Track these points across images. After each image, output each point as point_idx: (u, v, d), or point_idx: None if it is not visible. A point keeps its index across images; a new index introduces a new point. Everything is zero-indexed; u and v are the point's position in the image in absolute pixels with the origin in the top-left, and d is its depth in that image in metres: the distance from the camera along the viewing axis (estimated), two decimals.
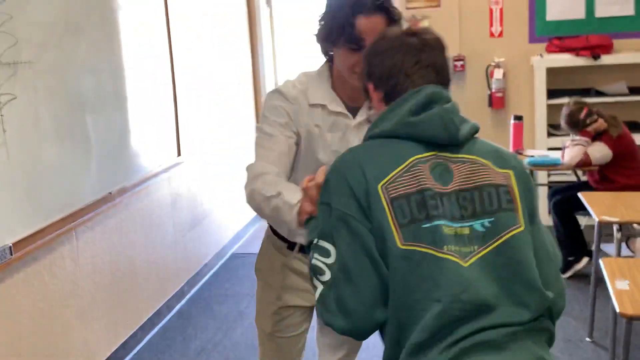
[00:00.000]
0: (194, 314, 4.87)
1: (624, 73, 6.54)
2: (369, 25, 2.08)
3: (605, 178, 4.99)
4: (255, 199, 2.10)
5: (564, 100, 5.32)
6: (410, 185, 1.59)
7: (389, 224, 1.56)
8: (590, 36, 6.45)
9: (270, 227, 2.49)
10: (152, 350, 4.33)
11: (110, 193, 3.99)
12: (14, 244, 3.13)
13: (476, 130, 1.73)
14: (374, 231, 1.58)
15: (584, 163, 4.96)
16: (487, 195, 1.62)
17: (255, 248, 5.77)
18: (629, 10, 6.49)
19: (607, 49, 6.38)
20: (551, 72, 6.42)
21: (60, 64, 3.55)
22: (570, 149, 5.02)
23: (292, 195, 1.95)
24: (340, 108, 2.26)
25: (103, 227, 4.03)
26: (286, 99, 2.25)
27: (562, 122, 5.12)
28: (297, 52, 7.27)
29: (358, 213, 1.60)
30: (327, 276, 1.62)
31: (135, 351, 4.32)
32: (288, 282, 2.44)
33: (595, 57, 6.32)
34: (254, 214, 6.83)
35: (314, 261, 1.66)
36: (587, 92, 6.39)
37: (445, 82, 1.77)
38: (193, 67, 5.34)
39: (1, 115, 3.08)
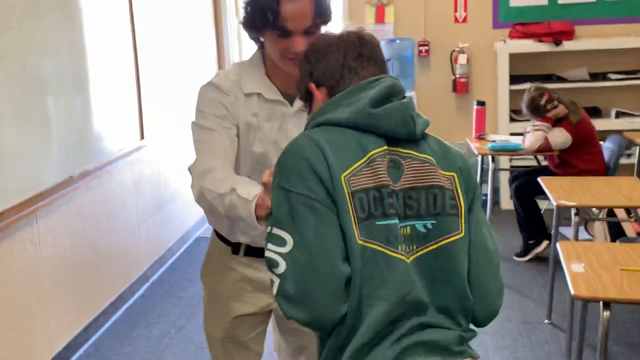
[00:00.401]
0: (157, 298, 4.86)
1: (585, 59, 6.62)
2: (294, 10, 2.01)
3: (565, 163, 5.06)
4: (205, 198, 2.02)
5: (526, 85, 5.36)
6: (369, 179, 1.56)
7: (350, 217, 1.53)
8: (552, 22, 6.52)
9: (215, 230, 2.42)
10: (115, 335, 4.32)
11: (71, 176, 3.96)
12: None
13: (427, 125, 1.71)
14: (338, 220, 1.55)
15: (544, 148, 5.02)
16: (432, 196, 1.62)
17: None
18: None
19: (569, 35, 6.47)
20: (514, 58, 6.49)
21: (19, 45, 3.51)
22: (531, 134, 5.07)
23: (247, 190, 1.90)
24: (276, 95, 2.19)
25: (64, 210, 4.00)
26: (221, 90, 2.17)
27: (524, 108, 5.17)
28: None
29: (326, 199, 1.54)
30: (282, 268, 1.54)
31: (97, 336, 4.30)
32: (235, 289, 2.34)
33: (557, 43, 6.39)
34: None
35: (267, 253, 1.58)
36: (548, 77, 6.48)
37: (385, 73, 1.75)
38: (157, 48, 5.29)
39: None
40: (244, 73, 2.21)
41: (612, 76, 6.52)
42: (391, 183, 1.58)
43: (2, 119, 3.34)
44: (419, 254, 1.57)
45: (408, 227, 1.58)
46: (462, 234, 1.63)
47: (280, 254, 1.54)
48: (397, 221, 1.56)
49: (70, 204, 4.07)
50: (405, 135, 1.63)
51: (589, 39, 6.49)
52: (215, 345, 2.44)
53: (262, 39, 2.17)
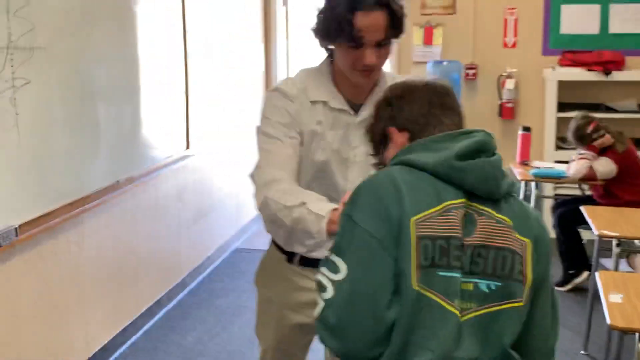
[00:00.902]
0: (193, 305, 4.89)
1: (635, 90, 6.55)
2: (368, 21, 2.00)
3: (609, 193, 5.01)
4: (270, 208, 2.01)
5: (574, 114, 5.33)
6: (440, 228, 1.53)
7: (411, 261, 1.50)
8: (603, 51, 6.47)
9: (272, 240, 2.39)
10: (150, 339, 4.36)
11: (118, 181, 4.02)
12: (20, 226, 3.17)
13: (514, 187, 1.68)
14: (396, 263, 1.52)
15: (589, 177, 4.98)
16: (502, 258, 1.58)
17: (259, 244, 5.80)
18: None
19: (619, 65, 6.41)
20: (563, 85, 6.44)
21: (74, 51, 3.58)
22: (576, 163, 5.04)
23: (319, 205, 1.89)
24: (342, 104, 2.18)
25: (109, 214, 4.06)
26: (287, 97, 2.16)
27: (570, 136, 5.14)
28: (311, 52, 7.30)
29: (387, 239, 1.52)
30: (329, 294, 1.53)
31: (133, 339, 4.35)
32: (290, 298, 2.33)
33: (607, 72, 6.34)
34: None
35: (318, 275, 1.58)
36: (597, 107, 6.41)
37: (463, 126, 1.74)
38: (207, 62, 5.36)
39: (14, 99, 3.12)
40: (310, 80, 2.21)
41: None
42: (462, 236, 1.55)
43: (53, 122, 3.41)
44: (478, 313, 1.54)
45: (471, 285, 1.55)
46: (522, 304, 1.58)
47: (331, 280, 1.54)
48: (459, 275, 1.53)
49: (115, 208, 4.13)
50: (484, 193, 1.60)
51: (639, 70, 6.43)
52: (268, 349, 2.44)
53: (331, 48, 2.16)
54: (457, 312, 1.51)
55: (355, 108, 2.19)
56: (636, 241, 4.59)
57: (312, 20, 2.14)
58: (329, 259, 1.57)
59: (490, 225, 1.59)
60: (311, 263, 2.22)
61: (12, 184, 3.13)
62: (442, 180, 1.58)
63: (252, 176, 2.14)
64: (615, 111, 6.42)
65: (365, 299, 1.50)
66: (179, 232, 5.03)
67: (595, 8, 6.54)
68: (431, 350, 1.48)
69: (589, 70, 6.39)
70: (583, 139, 5.03)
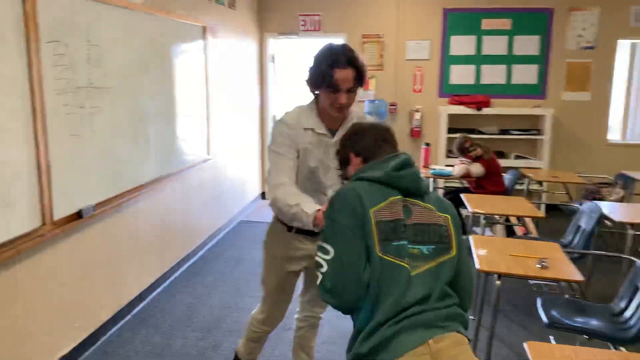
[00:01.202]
0: (210, 258, 4.89)
1: (496, 120, 6.66)
2: (342, 75, 2.03)
3: (479, 186, 5.07)
4: (277, 204, 2.04)
5: (457, 135, 5.40)
6: (389, 215, 1.59)
7: (374, 238, 1.55)
8: (476, 95, 6.56)
9: (276, 217, 2.35)
10: (182, 280, 4.36)
11: (161, 176, 4.01)
12: (96, 204, 3.17)
13: (428, 186, 1.73)
14: (365, 241, 1.57)
15: (467, 175, 5.05)
16: (433, 230, 1.62)
17: (256, 217, 5.77)
18: (502, 80, 6.61)
19: (487, 104, 6.49)
20: (450, 117, 6.51)
21: (132, 89, 3.57)
22: (458, 166, 5.11)
23: (309, 206, 1.93)
24: (324, 131, 2.18)
25: (155, 197, 4.05)
26: (288, 126, 2.16)
27: (454, 149, 5.21)
28: (290, 90, 7.32)
29: (356, 228, 1.57)
30: (324, 268, 1.57)
31: (171, 279, 4.34)
32: (288, 254, 2.33)
33: (479, 109, 6.42)
34: (257, 193, 6.90)
35: (317, 258, 1.61)
36: (472, 131, 6.50)
37: (397, 151, 1.80)
38: (221, 97, 5.35)
39: (92, 121, 3.10)
40: (303, 113, 2.20)
41: (514, 132, 6.53)
42: (404, 219, 1.60)
43: (119, 136, 3.40)
44: (424, 268, 1.57)
45: (417, 250, 1.58)
46: (453, 254, 1.63)
47: (324, 259, 1.57)
48: (405, 242, 1.57)
49: (160, 194, 4.12)
50: (414, 190, 1.66)
51: (499, 107, 6.51)
52: (270, 292, 2.42)
53: (317, 92, 2.16)
54: (407, 266, 1.55)
55: (332, 133, 2.20)
56: (495, 216, 4.71)
57: (304, 74, 2.15)
58: (321, 246, 1.60)
59: (421, 210, 1.65)
60: (303, 232, 2.27)
61: (91, 176, 3.12)
62: (385, 185, 1.64)
63: (266, 180, 2.13)
64: (484, 133, 6.53)
65: (349, 267, 1.54)
66: (200, 210, 5.01)
67: (472, 67, 6.62)
68: (392, 295, 1.51)
69: (467, 107, 6.46)
70: (463, 151, 5.11)
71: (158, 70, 3.95)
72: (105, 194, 3.27)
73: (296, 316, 2.66)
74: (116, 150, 3.38)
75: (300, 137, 2.16)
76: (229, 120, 5.67)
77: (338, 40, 6.76)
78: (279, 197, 2.01)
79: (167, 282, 4.28)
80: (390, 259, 1.54)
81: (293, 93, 7.51)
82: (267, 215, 6.39)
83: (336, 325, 3.56)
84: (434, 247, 1.60)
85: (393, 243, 1.56)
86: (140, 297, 3.85)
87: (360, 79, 2.08)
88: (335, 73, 2.02)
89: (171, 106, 4.20)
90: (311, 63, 2.12)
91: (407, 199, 1.65)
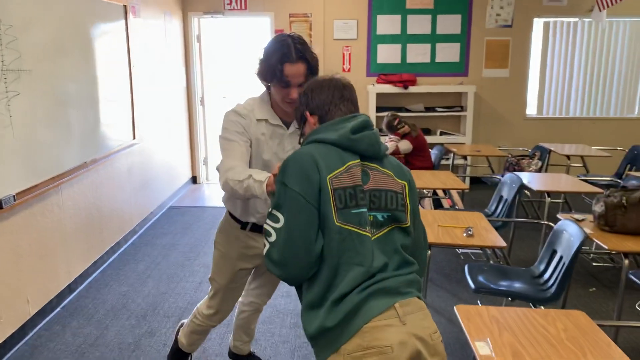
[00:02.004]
0: (142, 245, 4.79)
1: (422, 98, 6.86)
2: (293, 70, 1.94)
3: (408, 162, 5.18)
4: (229, 184, 1.91)
5: (386, 113, 5.49)
6: (347, 181, 1.50)
7: (330, 206, 1.46)
8: (402, 74, 6.72)
9: (229, 212, 2.31)
10: (114, 268, 4.25)
11: (85, 162, 3.87)
12: (17, 194, 3.02)
13: (387, 149, 1.66)
14: (320, 210, 1.48)
15: (396, 152, 5.13)
16: (389, 197, 1.56)
17: (187, 202, 5.70)
18: (427, 59, 6.80)
19: (413, 82, 6.66)
20: (379, 96, 6.65)
21: (51, 72, 3.41)
22: (388, 143, 5.22)
23: (259, 175, 1.83)
24: (278, 122, 2.10)
25: (80, 185, 3.90)
26: (240, 116, 2.06)
27: (383, 127, 5.29)
28: (217, 72, 7.19)
29: (310, 195, 1.47)
30: (273, 237, 1.48)
31: (101, 268, 4.22)
32: (240, 252, 2.29)
33: (406, 87, 6.58)
34: (186, 179, 6.78)
35: (265, 225, 1.52)
36: (399, 109, 6.68)
37: (358, 110, 1.70)
38: (145, 80, 5.20)
39: (9, 106, 2.95)
40: (256, 105, 2.11)
41: (439, 109, 6.76)
42: (362, 184, 1.52)
43: (38, 121, 3.25)
44: (379, 234, 1.52)
45: (372, 216, 1.52)
46: (408, 224, 1.58)
47: (273, 228, 1.49)
48: (366, 210, 1.51)
49: (84, 180, 3.97)
50: (371, 154, 1.58)
51: (425, 85, 6.70)
52: (220, 289, 2.37)
53: (269, 85, 2.08)
54: (369, 234, 1.49)
55: (286, 124, 2.13)
56: (424, 190, 4.88)
57: (255, 66, 2.07)
58: (271, 213, 1.51)
59: (379, 176, 1.57)
60: (258, 229, 2.25)
61: (10, 164, 2.97)
62: (342, 149, 1.55)
63: (218, 168, 2.03)
64: (411, 111, 6.72)
65: (299, 237, 1.45)
66: (129, 196, 4.88)
67: (398, 46, 6.77)
68: (359, 265, 1.45)
69: (394, 85, 6.60)
70: (392, 128, 5.20)
71: (78, 52, 3.78)
72: (26, 183, 3.12)
73: (240, 300, 2.65)
74: (36, 136, 3.22)
75: (253, 127, 2.08)
76: (154, 103, 5.52)
77: (265, 20, 6.74)
78: (229, 177, 1.92)
79: (98, 271, 4.16)
80: (351, 228, 1.47)
81: (221, 73, 7.39)
82: (198, 199, 6.32)
83: (273, 305, 3.60)
84: (389, 214, 1.55)
85: (352, 211, 1.48)
86: (70, 288, 3.72)
87: (312, 72, 2.00)
88: (286, 68, 1.93)
89: (93, 89, 4.04)
90: (261, 55, 2.05)
91: (366, 163, 1.58)
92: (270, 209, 1.52)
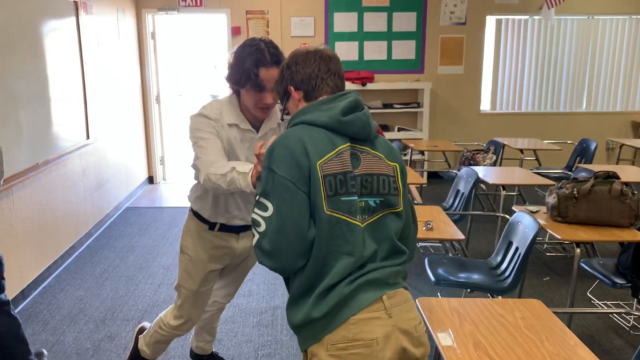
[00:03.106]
0: (98, 248, 4.67)
1: (380, 95, 6.94)
2: (268, 74, 1.91)
3: None
4: (211, 179, 1.84)
5: None
6: (337, 167, 1.42)
7: (320, 194, 1.39)
8: (360, 71, 6.77)
9: (194, 213, 2.24)
10: (69, 272, 4.13)
11: (37, 163, 3.75)
12: None
13: (377, 129, 1.57)
14: (310, 198, 1.40)
15: None
16: (381, 181, 1.49)
17: (144, 203, 5.60)
18: (384, 56, 6.88)
19: (370, 79, 6.73)
20: None
21: None
22: None
23: (243, 167, 1.77)
24: (247, 126, 2.06)
25: (32, 187, 3.77)
26: (210, 119, 2.01)
27: None
28: (172, 70, 7.08)
29: (300, 181, 1.39)
30: (262, 227, 1.40)
31: (56, 273, 4.09)
32: (209, 254, 2.25)
33: (364, 84, 6.64)
34: (143, 179, 6.65)
35: (253, 215, 1.43)
36: None
37: (344, 85, 1.60)
38: (98, 77, 5.06)
39: None
40: (224, 109, 2.05)
41: (396, 106, 6.83)
42: (352, 169, 1.45)
43: None
44: (370, 220, 1.47)
45: (363, 202, 1.46)
46: (400, 208, 1.52)
47: (262, 217, 1.40)
48: (356, 198, 1.44)
49: (36, 183, 3.84)
50: (362, 136, 1.49)
51: (382, 82, 6.77)
52: (189, 295, 2.30)
53: (238, 89, 2.03)
54: (359, 223, 1.43)
55: (255, 128, 2.09)
56: None
57: (225, 70, 2.02)
58: (259, 201, 1.42)
59: (370, 159, 1.50)
60: (227, 229, 2.22)
61: None
62: (332, 132, 1.46)
63: (194, 166, 1.96)
64: (369, 108, 6.78)
65: (291, 225, 1.37)
66: (85, 197, 4.75)
67: (355, 44, 6.82)
68: (347, 254, 1.40)
69: (352, 82, 6.64)
70: None
71: (27, 49, 3.65)
72: None
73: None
74: None
75: (223, 131, 2.02)
76: (108, 102, 5.39)
77: (221, 17, 6.67)
78: (211, 172, 1.85)
79: (53, 276, 4.03)
80: (341, 216, 1.40)
81: (177, 71, 7.28)
82: (156, 200, 6.21)
83: (236, 304, 3.58)
84: (381, 199, 1.49)
85: (342, 198, 1.41)
86: (24, 294, 3.60)
87: None
88: (261, 72, 1.90)
89: (44, 88, 3.91)
90: (230, 59, 2.00)
91: (356, 145, 1.50)
92: (257, 196, 1.44)
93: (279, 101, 1.69)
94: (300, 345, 1.48)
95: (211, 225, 2.22)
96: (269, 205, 1.40)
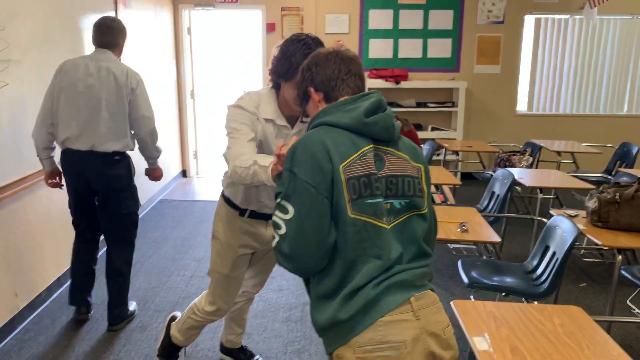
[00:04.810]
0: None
1: (414, 94, 6.86)
2: None
3: None
4: (237, 172, 1.86)
5: None
6: (361, 169, 1.39)
7: (344, 198, 1.37)
8: (394, 69, 6.71)
9: (225, 199, 2.27)
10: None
11: None
12: (6, 186, 2.95)
13: (400, 129, 1.53)
14: (333, 202, 1.38)
15: None
16: (407, 182, 1.46)
17: (177, 196, 5.63)
18: (419, 54, 6.80)
19: (405, 77, 6.67)
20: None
21: (40, 63, 3.35)
22: None
23: (264, 160, 1.77)
24: (284, 122, 2.05)
25: None
26: (246, 111, 2.00)
27: None
28: (208, 65, 7.14)
29: (321, 186, 1.36)
30: (283, 230, 1.38)
31: None
32: (240, 239, 2.27)
33: (397, 82, 6.59)
34: (177, 173, 6.73)
35: (274, 217, 1.42)
36: (391, 104, 6.67)
37: (365, 87, 1.58)
38: (138, 70, 5.11)
39: None
40: (262, 102, 2.04)
41: (430, 105, 6.76)
42: (376, 171, 1.42)
43: (27, 112, 3.18)
44: (396, 222, 1.44)
45: (388, 204, 1.43)
46: (425, 210, 1.50)
47: (283, 220, 1.39)
48: (382, 200, 1.41)
49: None
50: (386, 137, 1.47)
51: (416, 81, 6.70)
52: (221, 279, 2.34)
53: (279, 83, 2.02)
54: (386, 226, 1.41)
55: (291, 123, 2.09)
56: None
57: (270, 64, 2.01)
58: (280, 204, 1.41)
59: (394, 160, 1.47)
60: (257, 216, 2.25)
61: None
62: (354, 133, 1.44)
63: (225, 155, 1.97)
64: (402, 107, 6.72)
65: (310, 229, 1.36)
66: None
67: (390, 41, 6.76)
68: (376, 258, 1.39)
69: (386, 81, 6.60)
70: None
71: (67, 44, 3.71)
72: (15, 175, 3.06)
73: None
74: (25, 129, 3.16)
75: (259, 124, 2.02)
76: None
77: (256, 13, 6.69)
78: (237, 165, 1.86)
79: None
80: (366, 219, 1.38)
81: (212, 67, 7.34)
82: (188, 193, 6.27)
83: (266, 299, 3.58)
84: (407, 201, 1.46)
85: (367, 201, 1.39)
86: (59, 282, 3.67)
87: None
88: None
89: None
90: (276, 52, 1.99)
91: (380, 147, 1.46)
92: (279, 199, 1.42)
93: (299, 104, 1.65)
94: (326, 348, 1.46)
95: (241, 212, 2.24)
96: (290, 208, 1.38)
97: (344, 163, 1.38)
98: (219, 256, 2.33)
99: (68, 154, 2.93)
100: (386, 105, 1.51)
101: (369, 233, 1.38)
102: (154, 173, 3.45)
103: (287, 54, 1.93)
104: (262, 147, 2.06)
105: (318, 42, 1.97)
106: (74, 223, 3.15)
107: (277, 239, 1.41)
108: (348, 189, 1.37)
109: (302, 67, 1.59)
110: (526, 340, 1.69)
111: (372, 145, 1.44)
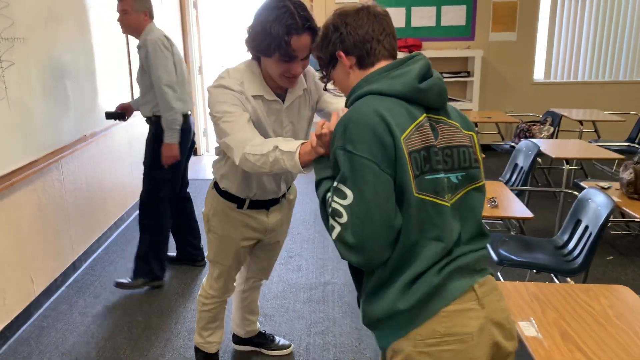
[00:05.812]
0: None
1: None
2: (300, 42, 1.69)
3: None
4: (249, 161, 1.66)
5: None
6: (419, 141, 1.23)
7: (409, 174, 1.20)
8: (407, 39, 6.54)
9: (219, 192, 2.11)
10: (117, 245, 4.14)
11: (85, 135, 3.72)
12: (17, 170, 2.88)
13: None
14: (396, 180, 1.21)
15: None
16: (462, 153, 1.31)
17: (196, 175, 5.52)
18: (432, 23, 6.61)
19: (418, 47, 6.51)
20: None
21: (45, 41, 3.23)
22: None
23: (288, 145, 1.58)
24: (273, 97, 1.87)
25: (80, 159, 3.76)
26: (232, 90, 1.79)
27: None
28: (215, 40, 7.00)
29: (384, 162, 1.19)
30: (344, 218, 1.20)
31: (105, 245, 4.11)
32: (240, 232, 2.14)
33: (411, 52, 6.40)
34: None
35: (333, 204, 1.23)
36: None
37: (396, 46, 1.40)
38: None
39: (3, 77, 2.78)
40: (245, 78, 1.84)
41: (445, 75, 6.59)
42: (435, 143, 1.26)
43: (34, 92, 3.08)
44: (454, 199, 1.29)
45: (445, 179, 1.27)
46: (482, 182, 1.36)
47: (342, 206, 1.21)
48: (442, 175, 1.26)
49: (84, 155, 3.82)
50: (438, 105, 1.31)
51: (430, 50, 6.54)
52: (225, 270, 2.24)
53: (258, 56, 1.81)
54: (447, 203, 1.26)
55: (281, 97, 1.90)
56: None
57: (245, 35, 1.79)
58: (337, 188, 1.24)
59: (447, 130, 1.31)
60: (257, 205, 2.11)
61: (7, 139, 2.82)
62: (407, 101, 1.27)
63: (224, 144, 1.76)
64: None
65: (377, 212, 1.18)
66: (131, 170, 4.74)
67: (402, 10, 6.57)
68: (437, 240, 1.24)
69: (400, 51, 6.43)
70: None
71: (73, 21, 3.59)
72: (26, 158, 2.98)
73: (238, 282, 2.55)
74: (33, 109, 3.06)
75: (248, 103, 1.82)
76: None
77: None
78: (248, 152, 1.66)
79: (102, 248, 4.05)
80: (427, 197, 1.22)
81: (219, 41, 7.19)
82: (199, 172, 6.18)
83: (285, 279, 3.51)
84: (463, 173, 1.31)
85: (427, 177, 1.23)
86: (74, 266, 3.62)
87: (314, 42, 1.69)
88: (293, 40, 1.67)
89: (90, 59, 3.86)
90: (252, 21, 1.75)
91: (431, 115, 1.30)
92: (336, 183, 1.25)
93: (320, 68, 1.45)
94: (380, 342, 1.34)
95: (239, 204, 2.10)
96: (348, 192, 1.20)
97: (404, 135, 1.21)
98: (218, 249, 2.21)
99: (187, 118, 3.33)
100: (432, 67, 1.34)
101: (429, 213, 1.23)
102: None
103: (265, 25, 1.69)
104: (260, 123, 1.87)
105: (301, 9, 1.70)
106: (172, 199, 3.48)
107: (337, 229, 1.23)
108: (411, 165, 1.21)
109: (326, 27, 1.39)
110: (575, 324, 1.60)
111: (425, 115, 1.28)
